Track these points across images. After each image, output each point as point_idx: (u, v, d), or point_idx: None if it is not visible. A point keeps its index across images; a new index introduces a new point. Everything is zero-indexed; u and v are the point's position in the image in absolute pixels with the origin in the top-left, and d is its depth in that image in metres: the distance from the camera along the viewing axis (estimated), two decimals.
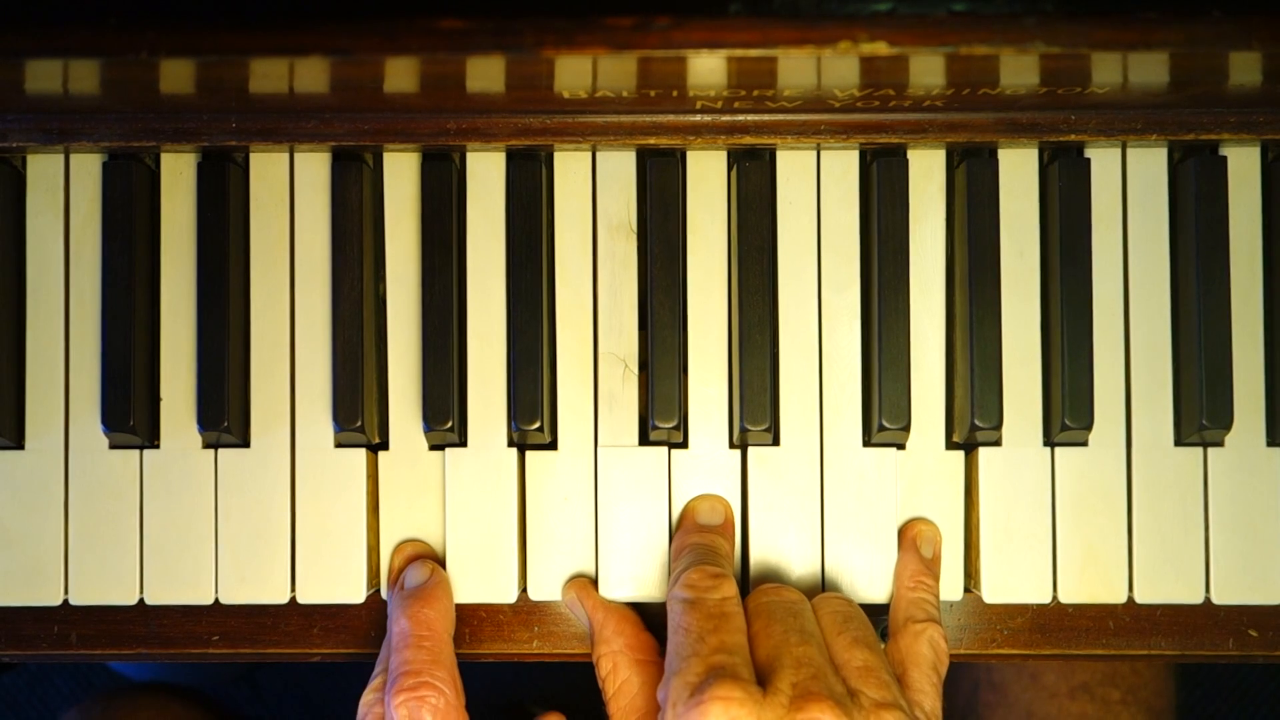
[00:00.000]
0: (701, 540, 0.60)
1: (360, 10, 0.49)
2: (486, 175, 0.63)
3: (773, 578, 0.62)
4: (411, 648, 0.57)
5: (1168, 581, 0.62)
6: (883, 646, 0.59)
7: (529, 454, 0.63)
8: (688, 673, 0.52)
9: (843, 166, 0.63)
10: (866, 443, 0.63)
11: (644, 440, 0.63)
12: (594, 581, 0.62)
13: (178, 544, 0.62)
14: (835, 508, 0.62)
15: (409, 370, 0.63)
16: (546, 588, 0.62)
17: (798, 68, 0.52)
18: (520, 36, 0.49)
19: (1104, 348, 0.62)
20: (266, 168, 0.63)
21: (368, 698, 0.58)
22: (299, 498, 0.62)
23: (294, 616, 0.64)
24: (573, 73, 0.53)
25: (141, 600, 0.62)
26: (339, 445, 0.62)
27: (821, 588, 0.62)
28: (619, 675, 0.59)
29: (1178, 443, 0.62)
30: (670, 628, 0.55)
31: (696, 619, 0.54)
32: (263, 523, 0.62)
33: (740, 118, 0.60)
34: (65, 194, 0.63)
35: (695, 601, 0.55)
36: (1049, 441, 0.62)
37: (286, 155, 0.63)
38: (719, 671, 0.51)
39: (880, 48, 0.49)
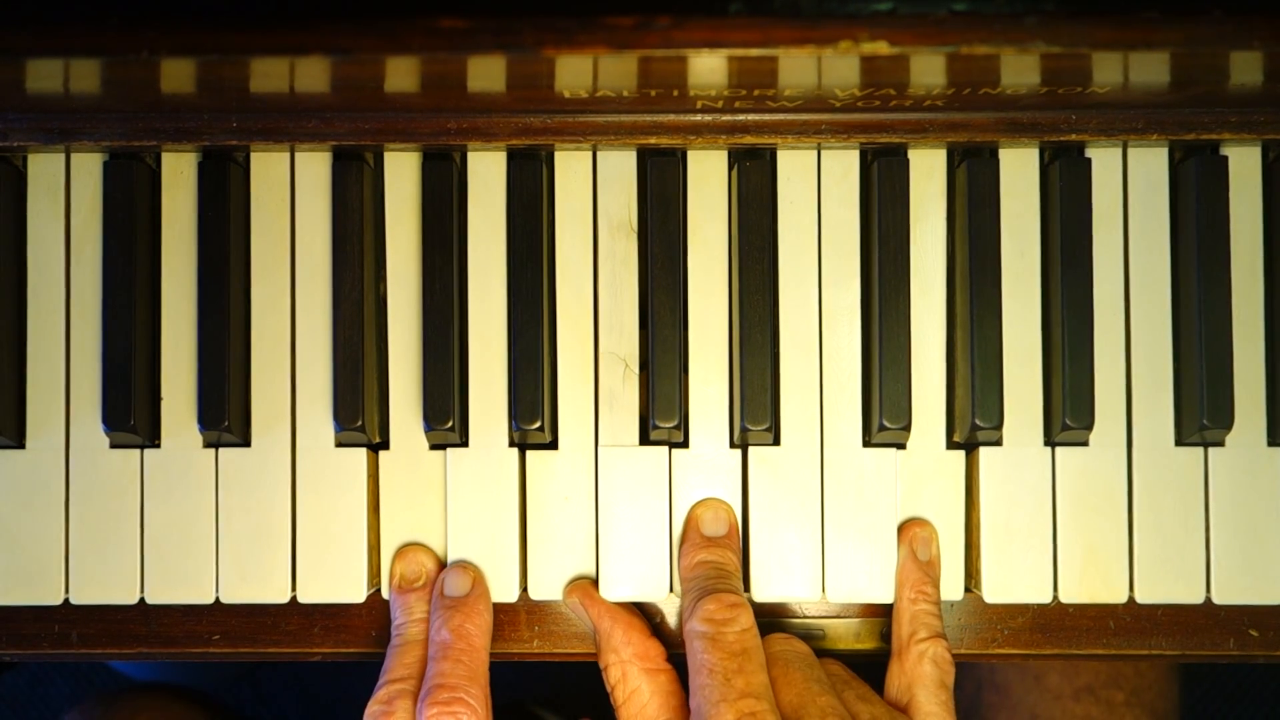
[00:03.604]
0: (711, 558, 0.60)
1: (361, 10, 0.49)
2: (487, 175, 0.63)
3: (773, 577, 0.62)
4: (450, 660, 0.57)
5: (1168, 581, 0.62)
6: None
7: (530, 454, 0.63)
8: None
9: (843, 166, 0.63)
10: (867, 442, 0.63)
11: (644, 440, 0.63)
12: (595, 583, 0.62)
13: (178, 543, 0.62)
14: (835, 507, 0.62)
15: (409, 370, 0.63)
16: (547, 587, 0.62)
17: (798, 67, 0.52)
18: (521, 36, 0.48)
19: (1105, 347, 0.62)
20: (267, 167, 0.63)
21: (373, 709, 0.58)
22: (299, 497, 0.62)
23: (294, 616, 0.64)
24: (573, 72, 0.53)
25: (142, 599, 0.62)
26: (340, 445, 0.62)
27: (822, 588, 0.62)
28: (629, 684, 0.59)
29: (1178, 442, 0.62)
30: (692, 665, 0.56)
31: (720, 657, 0.55)
32: (263, 522, 0.62)
33: (741, 117, 0.60)
34: (66, 194, 0.63)
35: (715, 638, 0.55)
36: (1050, 441, 0.62)
37: (287, 155, 0.63)
38: (752, 719, 0.52)
39: (881, 47, 0.49)
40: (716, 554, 0.60)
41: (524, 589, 0.63)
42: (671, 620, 0.64)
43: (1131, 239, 0.63)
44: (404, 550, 0.62)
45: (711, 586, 0.58)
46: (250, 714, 1.30)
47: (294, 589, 0.62)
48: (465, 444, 0.63)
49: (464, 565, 0.61)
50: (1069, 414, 0.61)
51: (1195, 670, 1.31)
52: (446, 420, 0.61)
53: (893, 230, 0.62)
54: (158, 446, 0.63)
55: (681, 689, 0.59)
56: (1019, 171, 0.63)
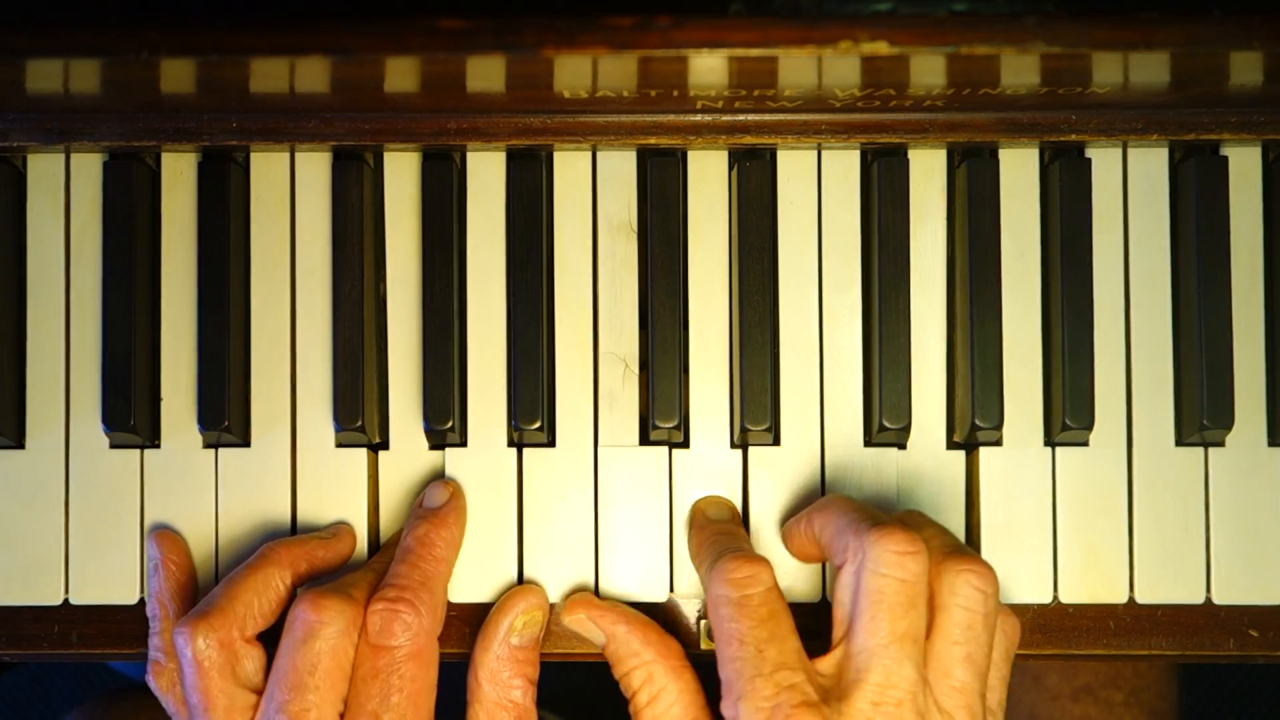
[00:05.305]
0: (722, 529, 0.59)
1: (361, 10, 0.49)
2: (487, 175, 0.63)
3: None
4: (407, 563, 0.58)
5: (1168, 581, 0.62)
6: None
7: (529, 453, 0.63)
8: (756, 696, 0.51)
9: (843, 166, 0.63)
10: (867, 442, 0.63)
11: (644, 440, 0.63)
12: (594, 587, 0.62)
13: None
14: None
15: (409, 370, 0.63)
16: (546, 588, 0.62)
17: (798, 67, 0.52)
18: (521, 36, 0.49)
19: (1105, 347, 0.62)
20: (267, 167, 0.63)
21: (377, 605, 0.56)
22: (299, 497, 0.62)
23: None
24: (573, 72, 0.53)
25: (142, 600, 0.62)
26: (339, 445, 0.62)
27: (822, 588, 0.62)
28: (655, 684, 0.57)
29: (1179, 443, 0.62)
30: (718, 634, 0.54)
31: (748, 625, 0.53)
32: (263, 522, 0.62)
33: (741, 117, 0.60)
34: (66, 194, 0.63)
35: (741, 603, 0.53)
36: (1050, 441, 0.62)
37: (287, 155, 0.63)
38: (790, 695, 0.50)
39: (881, 47, 0.49)
40: (726, 527, 0.60)
41: None
42: (670, 620, 0.64)
43: (1131, 239, 0.63)
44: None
45: (728, 548, 0.56)
46: None
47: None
48: (464, 444, 0.63)
49: (445, 481, 0.61)
50: (1069, 414, 0.61)
51: (1195, 670, 1.31)
52: (446, 420, 0.61)
53: (893, 230, 0.62)
54: (158, 447, 0.63)
55: (702, 687, 0.59)
56: (1019, 171, 0.63)
